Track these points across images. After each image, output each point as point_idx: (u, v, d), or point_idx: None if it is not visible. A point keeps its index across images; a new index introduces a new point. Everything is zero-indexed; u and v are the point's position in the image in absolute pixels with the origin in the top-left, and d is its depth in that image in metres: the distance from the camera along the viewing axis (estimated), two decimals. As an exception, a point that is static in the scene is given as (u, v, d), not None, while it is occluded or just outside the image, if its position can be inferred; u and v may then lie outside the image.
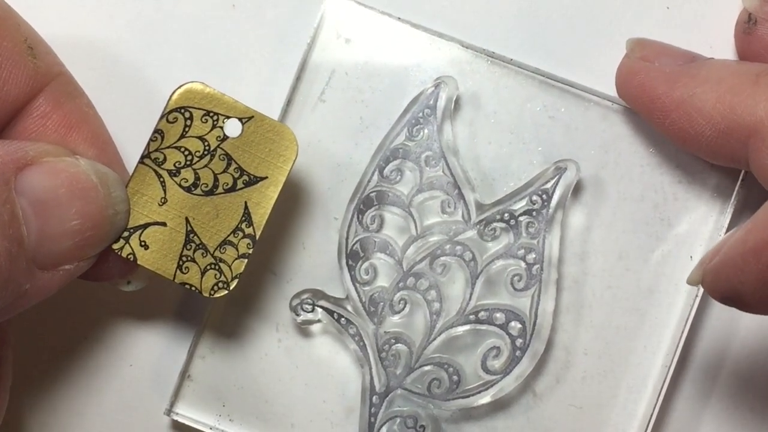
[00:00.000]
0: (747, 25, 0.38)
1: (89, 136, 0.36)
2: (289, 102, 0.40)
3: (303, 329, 0.40)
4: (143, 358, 0.41)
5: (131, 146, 0.39)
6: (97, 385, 0.41)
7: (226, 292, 0.36)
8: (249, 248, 0.36)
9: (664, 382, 0.39)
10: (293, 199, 0.40)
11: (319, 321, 0.39)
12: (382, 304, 0.39)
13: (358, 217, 0.39)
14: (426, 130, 0.39)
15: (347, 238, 0.39)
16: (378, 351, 0.39)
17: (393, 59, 0.40)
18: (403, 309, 0.39)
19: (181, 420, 0.40)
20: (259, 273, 0.40)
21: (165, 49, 0.41)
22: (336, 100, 0.40)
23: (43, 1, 0.41)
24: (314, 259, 0.40)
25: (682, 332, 0.39)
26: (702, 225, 0.39)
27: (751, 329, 0.40)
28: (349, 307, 0.39)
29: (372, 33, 0.40)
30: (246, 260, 0.36)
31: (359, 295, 0.39)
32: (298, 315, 0.39)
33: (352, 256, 0.39)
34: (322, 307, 0.39)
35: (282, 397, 0.40)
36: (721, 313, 0.40)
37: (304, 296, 0.39)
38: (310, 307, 0.39)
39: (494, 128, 0.40)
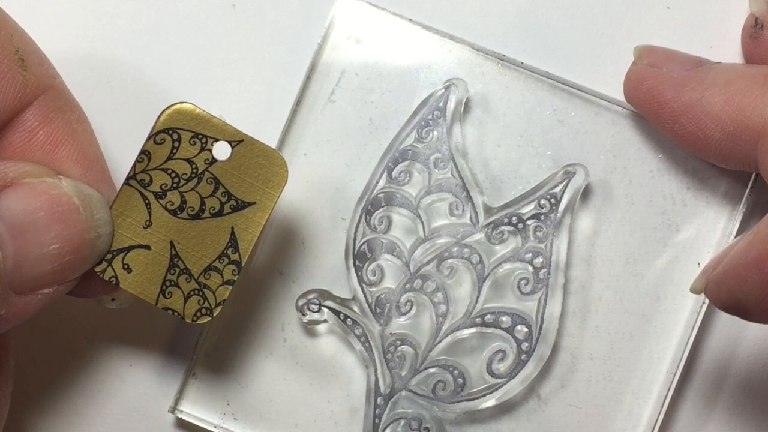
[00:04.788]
0: (754, 30, 0.38)
1: (76, 153, 0.35)
2: (298, 102, 0.40)
3: (309, 329, 0.40)
4: (146, 357, 0.41)
5: (129, 147, 0.39)
6: (98, 384, 0.41)
7: (210, 318, 0.35)
8: (234, 275, 0.35)
9: (670, 388, 0.39)
10: (300, 199, 0.40)
11: (325, 321, 0.39)
12: (388, 305, 0.39)
13: (365, 218, 0.39)
14: (435, 132, 0.39)
15: (354, 239, 0.39)
16: (383, 352, 0.39)
17: (403, 60, 0.40)
18: (409, 311, 0.39)
19: (185, 418, 0.40)
20: (265, 272, 0.40)
21: (165, 49, 0.41)
22: (345, 100, 0.40)
23: (42, 2, 0.41)
24: (321, 260, 0.40)
25: (689, 339, 0.39)
26: (710, 231, 0.39)
27: (758, 337, 0.40)
28: (355, 308, 0.39)
29: (383, 34, 0.40)
30: (231, 287, 0.35)
31: (366, 296, 0.39)
32: (304, 315, 0.39)
33: (359, 257, 0.39)
34: (328, 307, 0.39)
35: (286, 396, 0.40)
36: (727, 320, 0.40)
37: (311, 296, 0.39)
38: (316, 307, 0.39)
39: (503, 131, 0.40)
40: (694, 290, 0.36)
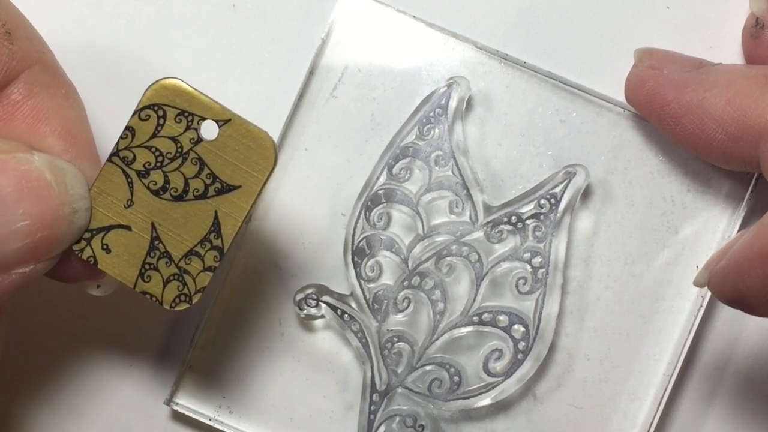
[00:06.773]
0: (754, 29, 0.38)
1: (59, 128, 0.34)
2: (300, 97, 0.40)
3: (306, 324, 0.40)
4: (142, 349, 0.41)
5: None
6: (94, 377, 0.41)
7: (188, 306, 0.34)
8: (216, 261, 0.33)
9: (666, 389, 0.39)
10: (300, 193, 0.40)
11: (322, 316, 0.39)
12: (386, 302, 0.39)
13: (365, 214, 0.39)
14: (437, 130, 0.39)
15: (354, 235, 0.39)
16: (380, 349, 0.39)
17: (406, 57, 0.40)
18: (407, 308, 0.39)
19: (180, 410, 0.40)
20: (264, 266, 0.40)
21: (165, 48, 0.41)
22: (348, 96, 0.40)
23: (42, 2, 0.41)
24: (320, 255, 0.40)
25: (686, 340, 0.39)
26: (710, 234, 0.39)
27: (756, 339, 0.40)
28: (353, 304, 0.39)
29: (386, 31, 0.40)
30: (212, 274, 0.33)
31: (363, 292, 0.39)
32: (301, 309, 0.39)
33: (358, 253, 0.39)
34: (325, 302, 0.39)
35: (282, 391, 0.40)
36: (725, 322, 0.40)
37: (309, 291, 0.39)
38: (313, 302, 0.39)
39: (505, 130, 0.40)
40: (698, 283, 0.36)
